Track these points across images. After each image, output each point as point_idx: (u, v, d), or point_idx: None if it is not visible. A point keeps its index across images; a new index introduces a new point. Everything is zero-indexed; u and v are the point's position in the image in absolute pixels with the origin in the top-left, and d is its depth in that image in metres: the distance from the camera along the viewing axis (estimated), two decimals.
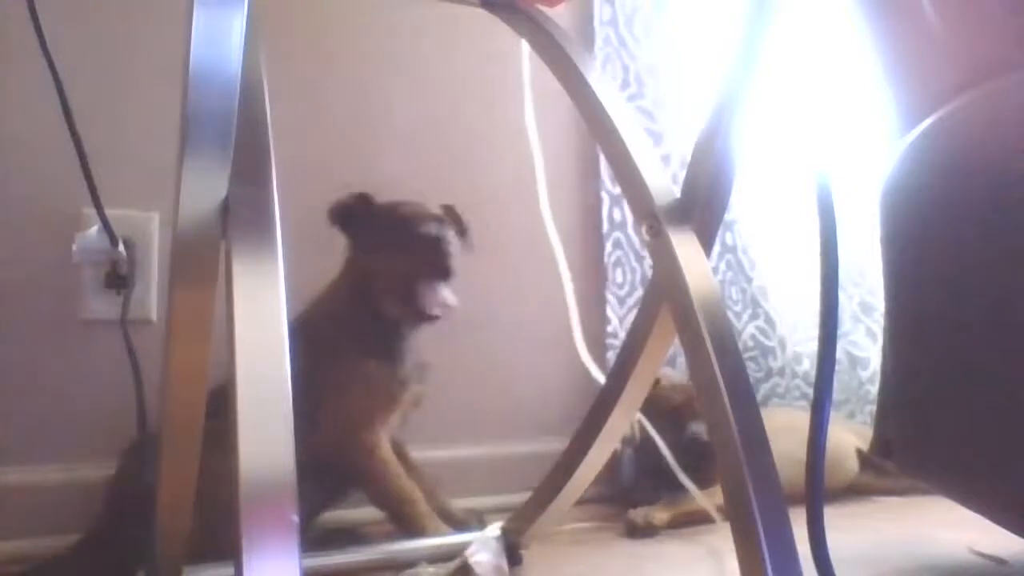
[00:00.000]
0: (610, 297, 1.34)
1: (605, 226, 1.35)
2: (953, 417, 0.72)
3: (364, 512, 0.97)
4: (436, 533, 0.89)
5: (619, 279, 1.35)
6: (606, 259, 1.35)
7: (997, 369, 0.67)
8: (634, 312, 1.30)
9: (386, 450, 0.92)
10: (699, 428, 1.12)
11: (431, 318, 0.96)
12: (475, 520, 0.97)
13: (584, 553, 0.92)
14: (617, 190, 1.35)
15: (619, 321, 1.34)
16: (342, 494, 0.96)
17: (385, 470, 0.91)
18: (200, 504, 0.61)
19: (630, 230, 1.36)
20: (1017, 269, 0.65)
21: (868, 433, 1.23)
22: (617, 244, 1.36)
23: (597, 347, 1.25)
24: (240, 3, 0.45)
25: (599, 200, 1.36)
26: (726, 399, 0.51)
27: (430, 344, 1.22)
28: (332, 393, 0.89)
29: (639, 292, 1.35)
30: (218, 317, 0.45)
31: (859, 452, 1.28)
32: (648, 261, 1.37)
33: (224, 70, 0.44)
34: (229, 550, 0.36)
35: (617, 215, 1.36)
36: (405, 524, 0.90)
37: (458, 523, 0.95)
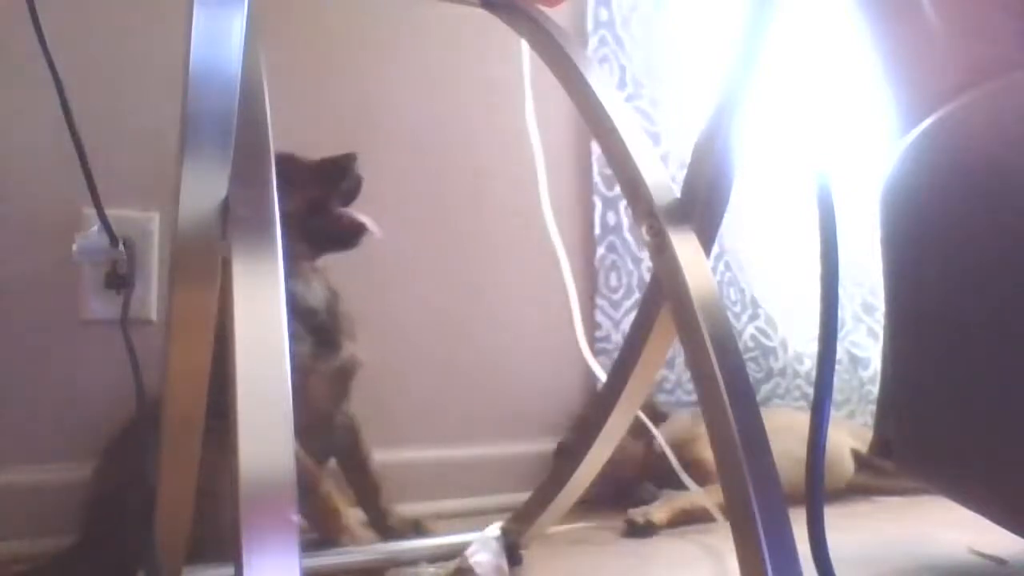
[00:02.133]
0: (602, 302, 1.34)
1: (597, 230, 1.35)
2: (953, 417, 0.72)
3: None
4: (356, 543, 0.86)
5: (613, 283, 1.35)
6: (597, 263, 1.35)
7: (997, 369, 0.67)
8: (630, 315, 1.30)
9: (303, 461, 0.85)
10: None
11: (349, 240, 0.91)
12: (411, 529, 0.94)
13: (584, 553, 0.92)
14: (610, 193, 1.35)
15: (613, 325, 1.33)
16: None
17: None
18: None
19: (626, 233, 1.36)
20: (1017, 269, 0.65)
21: (864, 434, 1.24)
22: (611, 248, 1.36)
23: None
24: (240, 3, 0.45)
25: (591, 204, 1.35)
26: (726, 399, 0.51)
27: (431, 342, 1.22)
28: None
29: (636, 295, 1.35)
30: None
31: (855, 453, 1.28)
32: (645, 264, 1.37)
33: (224, 70, 0.44)
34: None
35: (611, 219, 1.36)
36: (325, 533, 0.86)
37: (393, 532, 0.92)
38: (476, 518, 1.00)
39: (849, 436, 1.30)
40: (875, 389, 1.28)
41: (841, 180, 1.46)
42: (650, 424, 1.07)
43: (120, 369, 0.84)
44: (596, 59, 1.37)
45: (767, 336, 1.46)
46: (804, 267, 1.49)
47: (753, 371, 1.43)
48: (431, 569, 0.79)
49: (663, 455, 1.11)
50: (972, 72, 0.75)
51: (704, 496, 1.01)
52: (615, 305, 1.34)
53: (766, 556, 0.47)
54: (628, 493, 1.11)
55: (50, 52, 0.69)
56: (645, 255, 1.35)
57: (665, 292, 0.59)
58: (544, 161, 1.04)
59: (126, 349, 0.85)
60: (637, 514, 1.02)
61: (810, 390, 1.44)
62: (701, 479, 1.04)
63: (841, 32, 1.11)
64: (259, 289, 0.42)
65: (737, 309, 1.45)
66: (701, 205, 0.64)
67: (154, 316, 1.03)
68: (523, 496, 0.87)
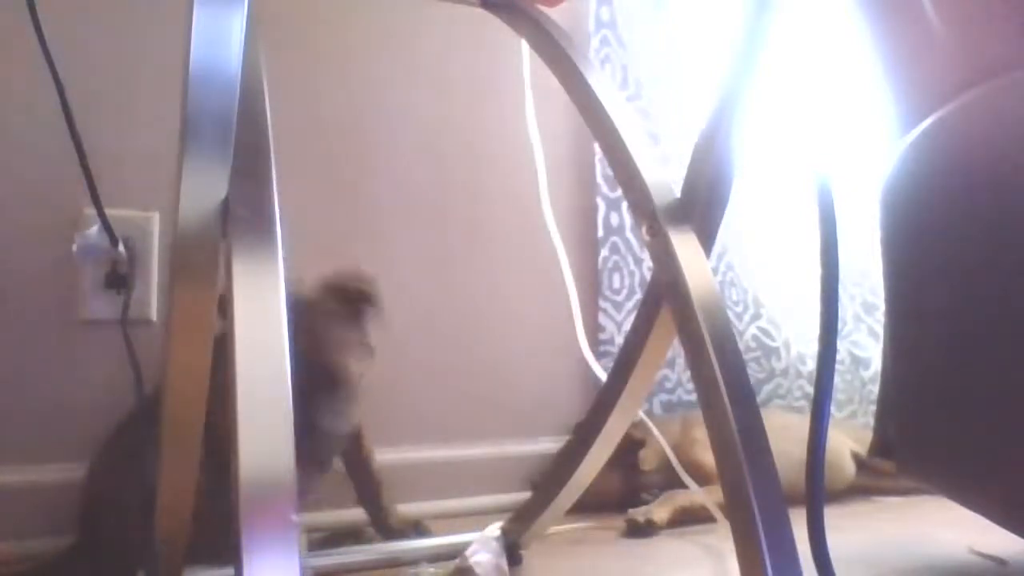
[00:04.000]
0: (605, 304, 1.33)
1: (600, 231, 1.35)
2: (953, 417, 0.72)
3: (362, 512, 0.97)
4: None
5: (616, 284, 1.35)
6: (600, 264, 1.34)
7: (997, 369, 0.67)
8: (633, 317, 1.30)
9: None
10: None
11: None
12: (412, 529, 0.94)
13: (584, 553, 0.92)
14: (614, 195, 1.35)
15: (616, 327, 1.33)
16: None
17: None
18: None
19: (628, 234, 1.36)
20: (1017, 268, 0.65)
21: (863, 435, 1.23)
22: (614, 249, 1.35)
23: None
24: (240, 3, 0.45)
25: (594, 206, 1.35)
26: (726, 399, 0.51)
27: (433, 343, 1.22)
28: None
29: (638, 296, 1.35)
30: None
31: (854, 454, 1.28)
32: (646, 264, 1.36)
33: (224, 70, 0.44)
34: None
35: (614, 219, 1.36)
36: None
37: (394, 532, 0.93)
38: (476, 518, 1.00)
39: (848, 437, 1.30)
40: (876, 389, 1.28)
41: (841, 180, 1.46)
42: (657, 432, 1.07)
43: (120, 369, 0.84)
44: (598, 59, 1.36)
45: (770, 336, 1.46)
46: (804, 267, 1.49)
47: (755, 371, 1.43)
48: (431, 569, 0.79)
49: (646, 474, 1.12)
50: (972, 72, 0.75)
51: (704, 495, 1.01)
52: (618, 307, 1.34)
53: (766, 556, 0.47)
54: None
55: (50, 52, 0.69)
56: (647, 256, 1.35)
57: (665, 292, 0.59)
58: (544, 161, 1.04)
59: (126, 349, 0.85)
60: (638, 514, 1.02)
61: (812, 390, 1.44)
62: (696, 482, 1.04)
63: (841, 32, 1.11)
64: (259, 289, 0.42)
65: (739, 309, 1.45)
66: (701, 205, 0.64)
67: (154, 316, 1.03)
68: (523, 496, 0.87)
